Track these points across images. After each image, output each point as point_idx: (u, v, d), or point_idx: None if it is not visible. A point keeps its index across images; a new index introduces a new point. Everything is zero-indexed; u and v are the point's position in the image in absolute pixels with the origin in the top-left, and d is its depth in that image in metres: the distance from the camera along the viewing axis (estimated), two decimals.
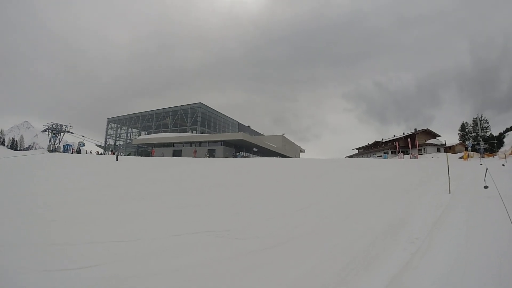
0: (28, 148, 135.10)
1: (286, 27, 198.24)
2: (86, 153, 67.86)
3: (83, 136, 64.11)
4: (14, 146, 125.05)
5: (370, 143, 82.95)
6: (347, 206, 9.69)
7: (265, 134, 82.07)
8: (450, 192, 11.06)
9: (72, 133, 67.67)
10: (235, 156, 54.07)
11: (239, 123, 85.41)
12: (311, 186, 14.78)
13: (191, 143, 61.13)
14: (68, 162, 27.78)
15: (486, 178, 13.58)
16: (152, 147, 64.62)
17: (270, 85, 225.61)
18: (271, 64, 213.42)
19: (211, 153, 56.52)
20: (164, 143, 64.21)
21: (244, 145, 60.61)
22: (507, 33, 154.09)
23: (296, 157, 73.81)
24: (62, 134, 64.06)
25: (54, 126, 62.85)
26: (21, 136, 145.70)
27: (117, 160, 32.69)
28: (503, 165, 23.00)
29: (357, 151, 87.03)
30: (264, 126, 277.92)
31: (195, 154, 52.44)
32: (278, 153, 68.00)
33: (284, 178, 18.10)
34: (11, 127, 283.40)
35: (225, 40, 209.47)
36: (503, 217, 7.29)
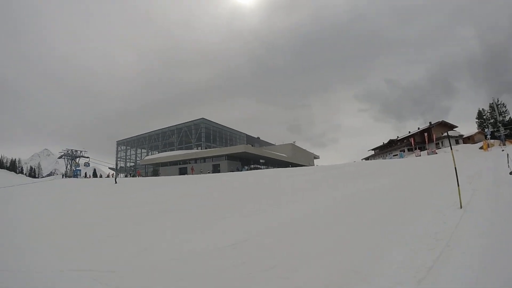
0: (50, 175, 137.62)
1: (287, 35, 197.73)
2: (100, 177, 69.46)
3: (88, 157, 66.75)
4: (32, 174, 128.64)
5: (385, 142, 78.43)
6: (281, 252, 6.06)
7: (277, 144, 78.88)
8: (461, 207, 7.62)
9: (88, 157, 70.27)
10: (239, 170, 51.08)
11: (247, 135, 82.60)
12: (271, 208, 11.07)
13: (195, 160, 58.77)
14: (61, 187, 29.69)
15: (509, 164, 11.41)
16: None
17: (281, 94, 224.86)
18: (278, 74, 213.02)
19: (216, 169, 54.11)
20: (169, 162, 62.19)
21: (249, 157, 57.61)
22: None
23: (309, 165, 70.75)
24: (78, 159, 66.78)
25: (69, 152, 65.69)
26: (39, 164, 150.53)
27: (115, 182, 33.78)
28: None
29: (373, 152, 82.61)
30: (279, 136, 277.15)
31: (192, 171, 50.21)
32: (289, 162, 64.64)
33: (256, 195, 15.04)
34: (32, 156, 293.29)
35: (229, 53, 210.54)
36: None
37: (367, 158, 78.73)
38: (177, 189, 22.24)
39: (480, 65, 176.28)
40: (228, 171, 49.55)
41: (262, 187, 18.25)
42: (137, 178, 46.82)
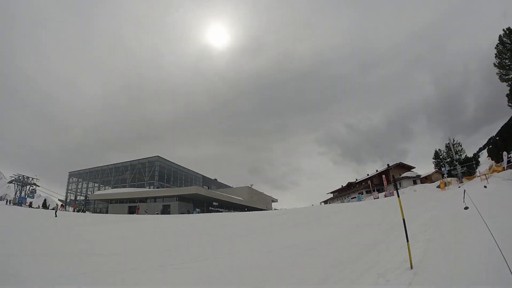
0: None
1: (252, 80, 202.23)
2: (48, 208, 65.87)
3: (36, 186, 61.95)
4: None
5: (344, 185, 77.52)
6: None
7: (235, 186, 76.47)
8: (412, 267, 5.55)
9: (38, 186, 64.56)
10: (190, 212, 48.13)
11: (203, 176, 79.55)
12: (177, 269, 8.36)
13: (146, 199, 55.30)
14: None
15: (465, 199, 11.88)
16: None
17: (243, 137, 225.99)
18: (242, 116, 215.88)
19: (166, 210, 50.82)
20: (119, 199, 58.23)
21: (201, 199, 54.82)
22: (465, 60, 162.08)
23: (267, 208, 68.81)
24: (28, 186, 61.88)
25: (20, 178, 60.62)
26: None
27: (55, 216, 31.01)
28: (485, 186, 21.04)
29: (331, 195, 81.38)
30: (238, 178, 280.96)
31: (137, 211, 47.00)
32: (245, 205, 62.29)
33: (172, 247, 12.53)
34: None
35: (194, 94, 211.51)
36: None
37: (325, 202, 77.56)
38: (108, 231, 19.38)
39: (435, 109, 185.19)
40: (179, 213, 46.79)
41: (209, 236, 15.65)
42: (80, 214, 43.69)
